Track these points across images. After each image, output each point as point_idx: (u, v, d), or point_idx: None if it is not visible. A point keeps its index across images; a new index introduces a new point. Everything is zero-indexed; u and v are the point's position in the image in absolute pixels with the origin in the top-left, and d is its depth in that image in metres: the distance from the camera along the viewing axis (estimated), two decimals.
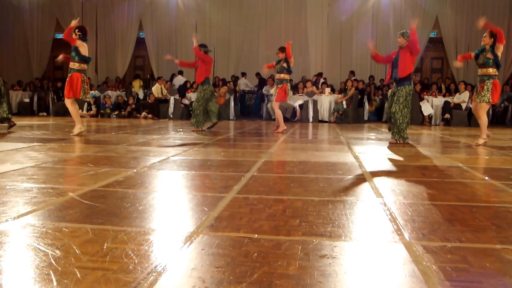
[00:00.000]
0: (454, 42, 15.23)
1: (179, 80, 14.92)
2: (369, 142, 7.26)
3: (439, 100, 12.55)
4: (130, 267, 1.74)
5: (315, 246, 2.00)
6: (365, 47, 15.47)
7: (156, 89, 13.77)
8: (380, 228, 2.34)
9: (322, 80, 14.33)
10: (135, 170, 3.95)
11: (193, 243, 2.03)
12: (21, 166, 4.08)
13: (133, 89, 15.16)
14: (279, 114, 8.85)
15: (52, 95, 14.68)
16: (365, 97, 13.26)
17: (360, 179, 3.73)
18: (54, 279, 1.61)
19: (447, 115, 12.10)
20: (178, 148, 5.75)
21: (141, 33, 17.16)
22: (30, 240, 2.03)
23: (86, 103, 13.34)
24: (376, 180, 3.68)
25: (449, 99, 12.49)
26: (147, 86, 15.67)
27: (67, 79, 7.15)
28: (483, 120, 6.61)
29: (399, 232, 2.23)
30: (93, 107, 13.87)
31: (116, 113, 13.82)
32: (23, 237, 2.09)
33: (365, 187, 3.39)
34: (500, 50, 6.43)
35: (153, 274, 1.68)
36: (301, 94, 13.11)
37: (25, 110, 14.74)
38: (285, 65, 8.46)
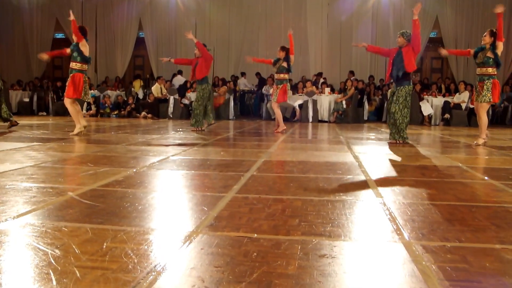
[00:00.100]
0: (454, 42, 15.23)
1: (178, 80, 14.91)
2: (368, 142, 7.26)
3: (439, 100, 12.55)
4: (130, 266, 1.74)
5: (314, 246, 2.00)
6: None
7: (156, 89, 13.77)
8: (379, 227, 2.34)
9: (321, 80, 14.32)
10: (134, 170, 3.95)
11: (192, 242, 2.03)
12: (21, 165, 4.08)
13: (132, 89, 15.15)
14: (278, 114, 8.84)
15: (52, 94, 14.67)
16: (365, 97, 13.26)
17: (360, 179, 3.73)
18: (53, 278, 1.61)
19: (447, 115, 12.10)
20: (178, 148, 5.75)
21: (140, 33, 17.15)
22: (29, 240, 2.03)
23: (85, 103, 13.34)
24: (376, 180, 3.68)
25: (449, 99, 12.49)
26: (146, 85, 15.67)
27: (69, 79, 7.14)
28: (483, 120, 6.61)
29: (398, 232, 2.23)
30: (93, 107, 13.87)
31: (115, 112, 13.81)
32: (23, 236, 2.09)
33: (364, 187, 3.39)
34: (500, 48, 6.41)
35: (153, 273, 1.68)
36: (300, 94, 13.11)
37: (24, 110, 14.73)
38: (284, 64, 8.41)
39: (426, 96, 12.62)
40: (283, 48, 8.48)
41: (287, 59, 8.39)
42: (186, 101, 13.43)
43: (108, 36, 17.21)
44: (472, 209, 2.74)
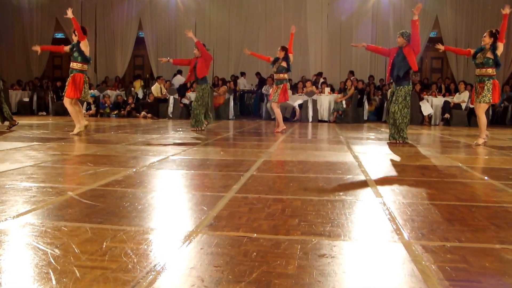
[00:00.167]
0: (454, 42, 15.21)
1: (178, 80, 14.91)
2: (368, 142, 7.26)
3: (439, 100, 12.54)
4: (129, 266, 1.74)
5: (314, 246, 2.00)
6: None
7: (156, 89, 13.77)
8: (379, 227, 2.34)
9: (321, 80, 14.32)
10: (134, 170, 3.95)
11: (192, 242, 2.03)
12: (21, 165, 4.08)
13: (132, 89, 15.15)
14: (278, 114, 8.84)
15: (52, 94, 14.66)
16: (365, 96, 13.25)
17: (360, 178, 3.73)
18: (53, 278, 1.61)
19: (446, 115, 12.10)
20: (178, 148, 5.75)
21: (140, 33, 17.15)
22: (29, 239, 2.03)
23: (85, 103, 13.33)
24: (376, 179, 3.68)
25: (448, 99, 12.49)
26: (146, 85, 15.67)
27: (69, 79, 7.13)
28: (482, 120, 6.61)
29: (398, 232, 2.23)
30: (93, 107, 13.87)
31: (115, 112, 13.81)
32: (23, 236, 2.09)
33: (364, 187, 3.39)
34: (500, 49, 6.40)
35: (152, 273, 1.68)
36: (300, 93, 13.10)
37: (24, 110, 14.72)
38: (284, 64, 8.39)
39: (426, 96, 12.62)
40: (283, 48, 8.47)
41: (286, 58, 8.38)
42: (186, 101, 13.43)
43: (108, 36, 17.20)
44: (472, 209, 2.74)
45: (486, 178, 3.91)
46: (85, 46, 7.11)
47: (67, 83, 7.19)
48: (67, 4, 16.81)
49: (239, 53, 16.48)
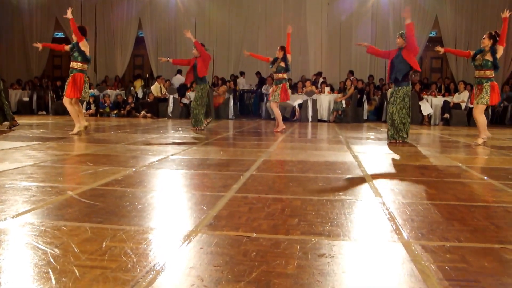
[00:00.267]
0: (453, 42, 15.21)
1: (178, 79, 14.90)
2: (368, 142, 7.26)
3: (439, 100, 12.55)
4: (129, 265, 1.74)
5: (313, 245, 2.00)
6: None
7: (156, 88, 13.76)
8: (379, 227, 2.34)
9: (321, 80, 14.31)
10: (134, 169, 3.95)
11: (191, 242, 2.03)
12: (20, 164, 4.08)
13: (132, 88, 15.14)
14: (277, 114, 8.84)
15: (52, 94, 14.65)
16: (365, 96, 13.25)
17: (359, 178, 3.73)
18: (53, 278, 1.61)
19: (446, 115, 12.10)
20: (177, 147, 5.75)
21: (140, 32, 17.14)
22: (29, 239, 2.03)
23: (85, 102, 13.33)
24: (375, 179, 3.69)
25: (448, 98, 12.49)
26: (146, 85, 15.66)
27: (69, 78, 7.14)
28: (480, 121, 6.61)
29: (398, 232, 2.23)
30: (92, 106, 13.86)
31: (115, 112, 13.80)
32: (22, 235, 2.09)
33: (364, 187, 3.39)
34: (500, 52, 6.40)
35: (152, 272, 1.68)
36: (300, 93, 13.10)
37: (24, 109, 14.70)
38: (282, 64, 8.40)
39: (426, 96, 12.62)
40: (281, 48, 8.47)
41: (284, 58, 8.39)
42: (185, 101, 13.43)
43: (108, 36, 17.20)
44: (471, 209, 2.74)
45: (485, 178, 3.91)
46: (84, 46, 7.11)
47: (67, 83, 7.19)
48: (67, 3, 16.80)
49: (239, 53, 16.47)
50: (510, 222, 2.50)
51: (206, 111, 8.77)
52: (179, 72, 15.26)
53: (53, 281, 1.58)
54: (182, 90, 13.82)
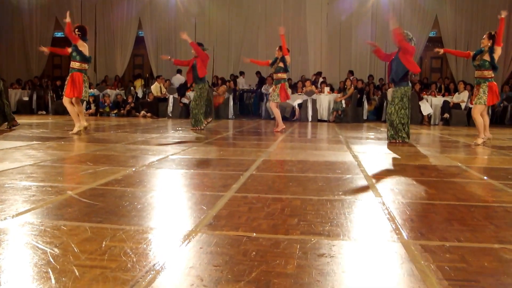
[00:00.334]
0: (453, 42, 15.21)
1: (178, 79, 14.90)
2: (368, 142, 7.26)
3: (438, 100, 12.55)
4: (129, 265, 1.74)
5: (313, 245, 2.01)
6: (364, 46, 15.48)
7: (155, 88, 13.76)
8: (378, 227, 2.34)
9: (321, 79, 14.31)
10: (133, 169, 3.95)
11: (191, 241, 2.03)
12: (20, 164, 4.08)
13: (132, 88, 15.13)
14: (277, 113, 8.84)
15: (51, 93, 14.64)
16: (364, 96, 13.25)
17: (359, 178, 3.73)
18: (52, 277, 1.61)
19: (446, 115, 12.11)
20: (177, 147, 5.75)
21: (140, 32, 17.13)
22: (28, 238, 2.03)
23: (85, 102, 13.32)
24: (375, 179, 3.69)
25: (448, 98, 12.49)
26: (146, 85, 15.66)
27: (68, 78, 7.14)
28: (478, 121, 6.61)
29: (397, 231, 2.23)
30: (92, 106, 13.86)
31: (115, 111, 13.80)
32: (22, 235, 2.09)
33: (363, 186, 3.39)
34: (497, 53, 6.41)
35: (151, 272, 1.68)
36: (300, 93, 13.10)
37: (24, 109, 14.70)
38: (281, 64, 8.42)
39: (426, 96, 12.62)
40: (280, 48, 8.49)
41: (283, 59, 8.40)
42: (185, 100, 13.42)
43: (108, 35, 17.19)
44: (471, 209, 2.74)
45: (485, 178, 3.91)
46: (82, 46, 7.10)
47: (66, 82, 7.19)
48: (66, 3, 16.82)
49: (238, 53, 16.47)
50: (509, 222, 2.50)
51: (206, 110, 8.78)
52: (179, 72, 15.26)
53: (53, 281, 1.58)
54: (182, 90, 13.81)
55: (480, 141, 6.58)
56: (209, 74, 15.25)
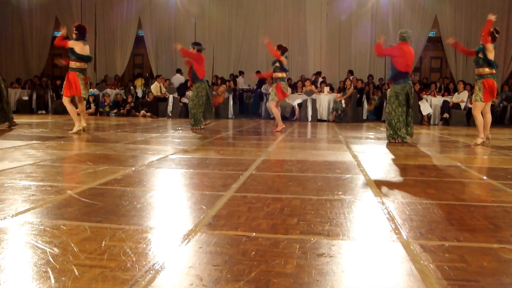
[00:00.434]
0: None
1: (178, 79, 14.90)
2: (367, 141, 7.26)
3: (438, 100, 12.55)
4: (128, 265, 1.74)
5: (313, 245, 2.01)
6: (364, 45, 15.50)
7: (155, 88, 13.76)
8: (378, 227, 2.34)
9: (321, 79, 14.30)
10: (133, 169, 3.95)
11: (191, 241, 2.03)
12: (20, 164, 4.08)
13: (132, 88, 15.12)
14: (276, 113, 8.84)
15: (51, 93, 14.63)
16: (364, 96, 13.25)
17: (359, 178, 3.73)
18: (52, 277, 1.61)
19: (446, 115, 12.11)
20: (177, 147, 5.74)
21: (140, 31, 17.12)
22: (28, 238, 2.03)
23: (84, 102, 13.30)
24: (374, 179, 3.69)
25: (448, 98, 12.49)
26: (146, 84, 15.65)
27: (66, 77, 7.17)
28: (478, 119, 6.61)
29: (397, 231, 2.23)
30: (92, 105, 13.85)
31: (115, 111, 13.79)
32: (21, 234, 2.09)
33: (363, 186, 3.39)
34: (489, 49, 6.42)
35: (151, 272, 1.68)
36: (300, 93, 13.10)
37: (24, 108, 14.69)
38: (277, 64, 8.46)
39: (425, 96, 12.62)
40: (278, 47, 8.50)
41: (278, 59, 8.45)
42: (185, 100, 13.41)
43: (108, 35, 17.18)
44: (470, 209, 2.74)
45: (484, 178, 3.92)
46: (73, 45, 7.09)
47: (64, 82, 7.21)
48: (66, 2, 16.82)
49: (238, 52, 16.48)
50: (509, 222, 2.50)
51: (205, 110, 8.77)
52: (179, 71, 15.26)
53: (52, 280, 1.58)
54: (181, 89, 13.81)
55: (479, 140, 6.58)
56: (209, 73, 15.25)
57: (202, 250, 1.91)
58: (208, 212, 2.51)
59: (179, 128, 9.08)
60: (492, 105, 10.36)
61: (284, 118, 11.16)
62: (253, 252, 1.89)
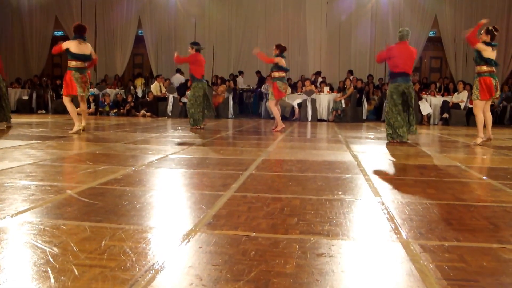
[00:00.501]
0: (453, 41, 15.22)
1: (177, 79, 14.90)
2: (367, 141, 7.26)
3: (438, 100, 12.55)
4: (128, 264, 1.74)
5: (312, 245, 2.01)
6: (364, 45, 15.51)
7: (155, 87, 13.76)
8: (377, 227, 2.35)
9: (320, 79, 14.31)
10: (133, 168, 3.95)
11: (190, 241, 2.03)
12: (20, 163, 4.08)
13: (132, 87, 15.13)
14: (276, 113, 8.85)
15: (51, 92, 14.63)
16: (364, 96, 13.26)
17: (358, 178, 3.73)
18: (51, 276, 1.61)
19: (445, 115, 12.11)
20: (177, 146, 5.75)
21: (140, 31, 17.12)
22: (28, 238, 2.03)
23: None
24: (374, 179, 3.69)
25: (447, 98, 12.50)
26: (146, 84, 15.66)
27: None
28: (479, 118, 6.61)
29: (396, 231, 2.24)
30: (92, 105, 13.85)
31: (115, 111, 13.80)
32: (21, 234, 2.09)
33: (363, 186, 3.39)
34: (480, 48, 6.41)
35: (151, 271, 1.68)
36: (299, 93, 13.10)
37: (24, 108, 14.70)
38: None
39: (425, 96, 12.63)
40: (277, 47, 8.51)
41: (278, 57, 8.44)
42: (185, 100, 13.42)
43: (108, 34, 17.18)
44: (470, 209, 2.74)
45: (484, 177, 3.92)
46: (68, 45, 7.07)
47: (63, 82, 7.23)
48: (66, 2, 16.83)
49: (238, 52, 16.48)
50: (509, 222, 2.50)
51: (205, 110, 8.77)
52: (179, 71, 15.26)
53: (52, 280, 1.58)
54: (181, 89, 13.82)
55: (479, 140, 6.58)
56: (209, 73, 15.26)
57: (201, 250, 1.91)
58: (208, 212, 2.51)
59: (179, 128, 9.08)
60: (492, 105, 10.38)
61: (284, 118, 11.17)
62: (253, 252, 1.89)
